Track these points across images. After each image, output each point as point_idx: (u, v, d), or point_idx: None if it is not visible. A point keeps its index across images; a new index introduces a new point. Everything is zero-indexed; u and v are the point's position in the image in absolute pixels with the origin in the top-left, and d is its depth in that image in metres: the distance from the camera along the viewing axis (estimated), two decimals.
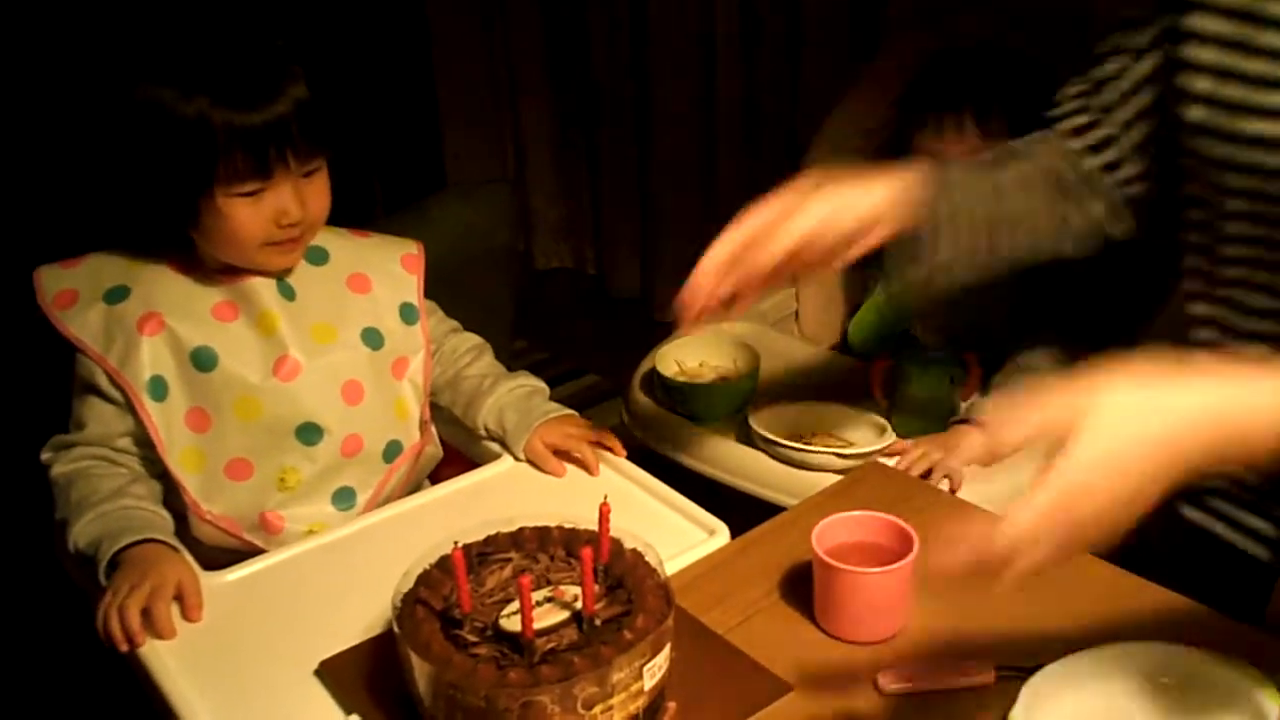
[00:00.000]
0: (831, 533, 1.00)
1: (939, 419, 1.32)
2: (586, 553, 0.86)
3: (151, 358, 1.16)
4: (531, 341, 2.78)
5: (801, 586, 1.02)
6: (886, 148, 1.53)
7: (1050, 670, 0.88)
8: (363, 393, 1.24)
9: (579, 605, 0.87)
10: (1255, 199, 0.97)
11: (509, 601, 0.89)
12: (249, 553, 1.17)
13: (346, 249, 1.29)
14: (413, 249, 1.33)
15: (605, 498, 0.94)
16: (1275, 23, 0.94)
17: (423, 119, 3.16)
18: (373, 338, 1.25)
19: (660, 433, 1.51)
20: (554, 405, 1.30)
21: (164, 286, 1.19)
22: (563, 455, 1.26)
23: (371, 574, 1.09)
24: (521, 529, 0.98)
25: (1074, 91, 1.11)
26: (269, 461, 1.21)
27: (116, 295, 1.18)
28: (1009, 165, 1.09)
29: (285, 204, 1.14)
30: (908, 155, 1.46)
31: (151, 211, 1.17)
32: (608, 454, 1.25)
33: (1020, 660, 0.91)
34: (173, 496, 1.19)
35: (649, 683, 0.86)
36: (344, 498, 1.25)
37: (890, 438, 1.33)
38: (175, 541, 1.11)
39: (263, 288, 1.21)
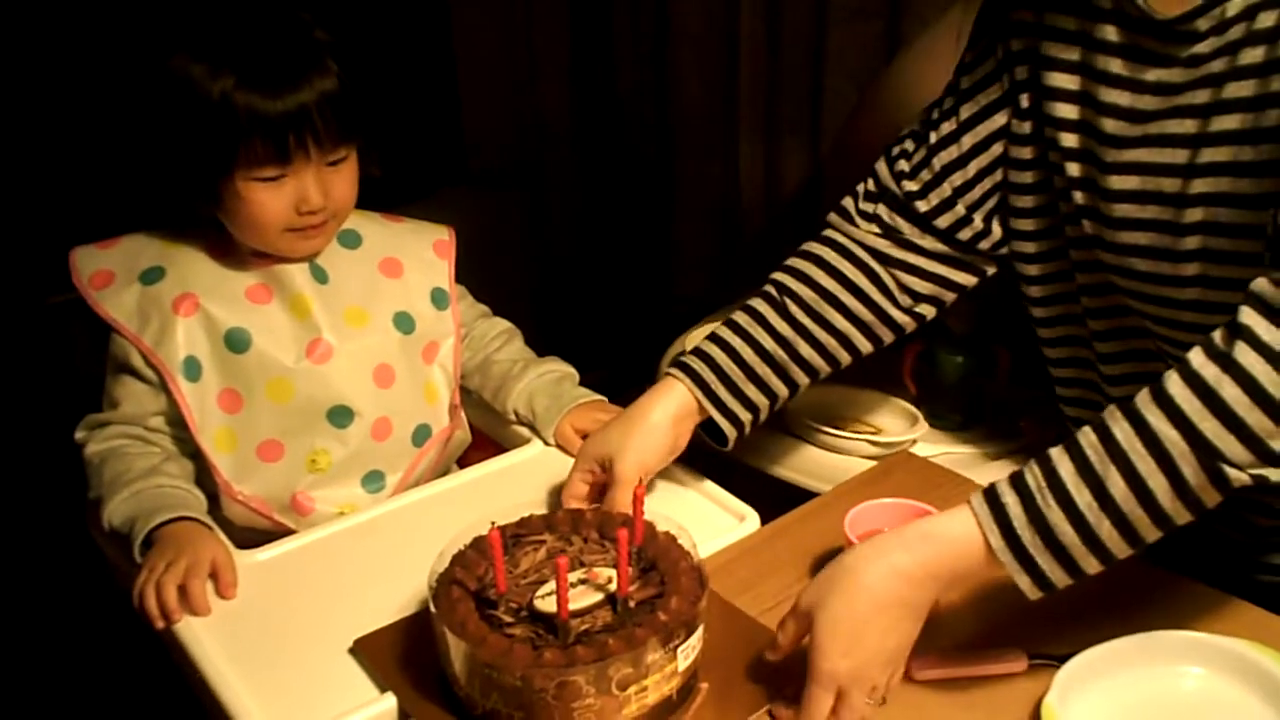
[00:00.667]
0: (864, 519, 1.00)
1: (968, 407, 1.32)
2: (622, 534, 0.87)
3: (186, 338, 1.17)
4: (547, 332, 2.78)
5: None
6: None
7: (1082, 659, 0.88)
8: (394, 376, 1.25)
9: (613, 587, 0.88)
10: (1122, 253, 0.99)
11: (543, 583, 0.90)
12: (279, 533, 1.18)
13: (379, 233, 1.30)
14: (444, 234, 1.34)
15: (640, 481, 0.95)
16: (1108, 78, 0.96)
17: (444, 108, 3.16)
18: (404, 322, 1.26)
19: None
20: (584, 391, 1.30)
21: (199, 268, 1.20)
22: None
23: (401, 555, 1.10)
24: (555, 511, 0.99)
25: (911, 149, 1.13)
26: (300, 443, 1.21)
27: (152, 276, 1.19)
28: (785, 315, 1.12)
29: (306, 191, 1.15)
30: None
31: (175, 190, 1.17)
32: None
33: (1052, 649, 0.91)
34: (204, 477, 1.20)
35: (682, 664, 0.86)
36: (373, 480, 1.25)
37: (922, 427, 1.33)
38: (209, 520, 1.12)
39: (296, 271, 1.21)
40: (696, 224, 2.88)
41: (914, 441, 1.33)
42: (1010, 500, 0.82)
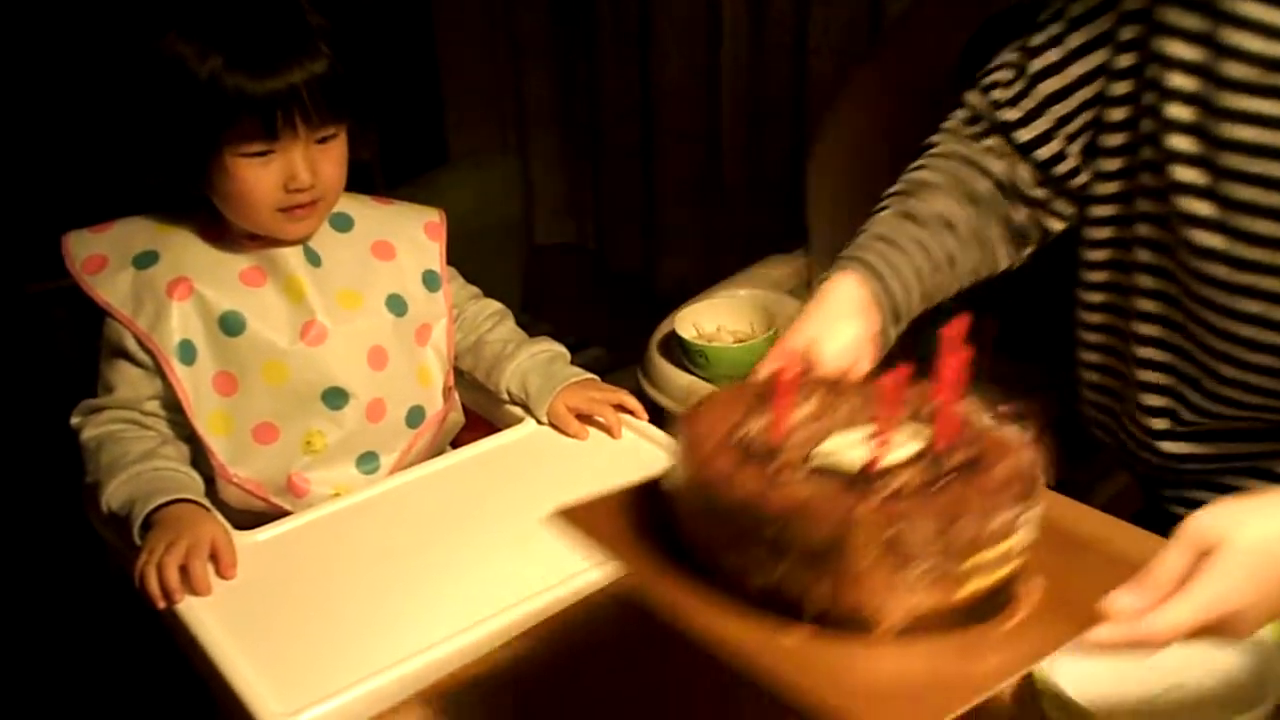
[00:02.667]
0: None
1: None
2: (949, 366, 0.68)
3: (181, 322, 1.18)
4: (534, 315, 2.79)
5: None
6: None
7: None
8: (387, 359, 1.26)
9: (922, 443, 0.67)
10: (1223, 206, 0.95)
11: (819, 440, 0.69)
12: (274, 515, 1.19)
13: (370, 216, 1.30)
14: (434, 217, 1.34)
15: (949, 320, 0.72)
16: (1242, 21, 0.91)
17: (425, 91, 3.16)
18: (397, 304, 1.27)
19: (678, 394, 1.53)
20: (576, 370, 1.31)
21: (193, 252, 1.21)
22: (585, 419, 1.27)
23: (396, 535, 1.12)
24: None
25: (1008, 78, 1.08)
26: (295, 425, 1.22)
27: (146, 260, 1.19)
28: (925, 218, 1.05)
29: (295, 168, 1.15)
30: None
31: (165, 170, 1.18)
32: (629, 417, 1.27)
33: None
34: (200, 460, 1.20)
35: (1020, 541, 0.65)
36: (368, 461, 1.26)
37: None
38: (207, 502, 1.13)
39: (289, 254, 1.22)
40: (681, 205, 2.89)
41: None
42: None
